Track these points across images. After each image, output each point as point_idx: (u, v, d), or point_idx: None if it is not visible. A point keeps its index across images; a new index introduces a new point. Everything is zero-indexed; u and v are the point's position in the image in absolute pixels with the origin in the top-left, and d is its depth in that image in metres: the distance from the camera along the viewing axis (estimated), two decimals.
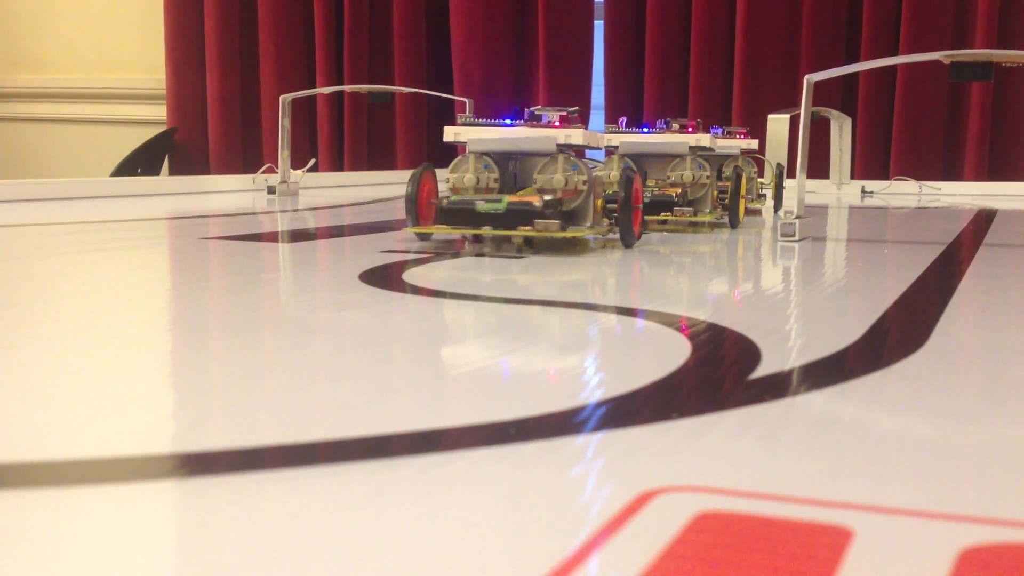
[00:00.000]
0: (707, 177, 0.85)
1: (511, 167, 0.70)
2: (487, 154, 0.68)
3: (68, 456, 0.23)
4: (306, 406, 0.28)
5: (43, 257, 0.65)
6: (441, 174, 0.72)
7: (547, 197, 0.64)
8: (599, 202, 0.68)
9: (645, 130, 0.88)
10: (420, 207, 0.69)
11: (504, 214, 0.64)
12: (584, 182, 0.66)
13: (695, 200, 0.85)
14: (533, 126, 0.68)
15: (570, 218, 0.67)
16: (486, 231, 0.65)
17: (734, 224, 0.87)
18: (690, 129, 0.86)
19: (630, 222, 0.68)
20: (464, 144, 0.69)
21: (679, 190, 0.82)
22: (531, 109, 0.69)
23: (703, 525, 0.19)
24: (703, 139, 0.86)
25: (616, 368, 0.34)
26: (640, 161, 0.87)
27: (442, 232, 0.68)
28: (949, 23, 1.64)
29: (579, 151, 0.71)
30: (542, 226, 0.63)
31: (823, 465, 0.23)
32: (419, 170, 0.70)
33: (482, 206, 0.64)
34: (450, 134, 0.70)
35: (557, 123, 0.68)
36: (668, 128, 0.87)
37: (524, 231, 0.64)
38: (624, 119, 0.90)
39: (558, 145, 0.67)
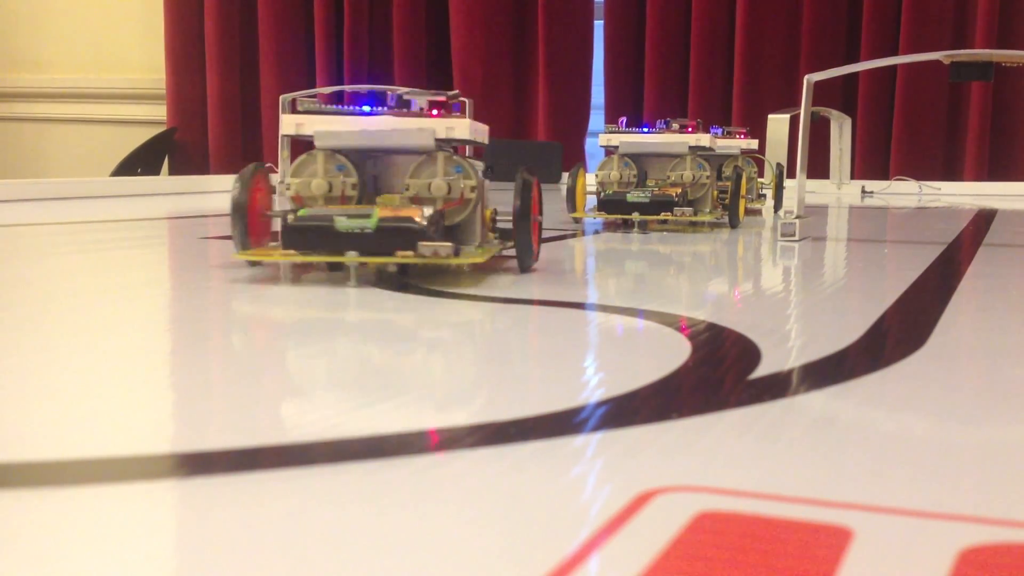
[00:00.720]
0: (707, 177, 0.85)
1: (367, 168, 0.54)
2: (340, 152, 0.53)
3: (68, 456, 0.23)
4: (306, 406, 0.28)
5: (43, 257, 0.65)
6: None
7: (426, 209, 0.49)
8: (487, 212, 0.55)
9: (645, 130, 0.88)
10: (250, 222, 0.52)
11: (374, 234, 0.48)
12: (472, 188, 0.52)
13: (695, 200, 0.85)
14: (400, 114, 0.52)
15: (452, 235, 0.52)
16: (351, 258, 0.48)
17: (734, 224, 0.87)
18: (690, 129, 0.86)
19: (528, 241, 0.54)
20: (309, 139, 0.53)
21: (679, 190, 0.83)
22: (397, 92, 0.53)
23: (703, 525, 0.19)
24: (703, 139, 0.86)
25: (616, 368, 0.34)
26: (640, 161, 0.87)
27: (286, 260, 0.50)
28: (949, 23, 1.64)
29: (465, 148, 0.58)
30: (429, 251, 0.48)
31: (823, 465, 0.23)
32: (248, 171, 0.54)
33: (343, 223, 0.48)
34: (289, 125, 0.53)
35: (434, 111, 0.52)
36: (668, 128, 0.87)
37: (404, 257, 0.48)
38: (624, 119, 0.90)
39: (437, 141, 0.52)
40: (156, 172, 2.03)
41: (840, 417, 0.27)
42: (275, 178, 1.32)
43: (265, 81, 2.02)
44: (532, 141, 1.87)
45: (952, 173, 1.66)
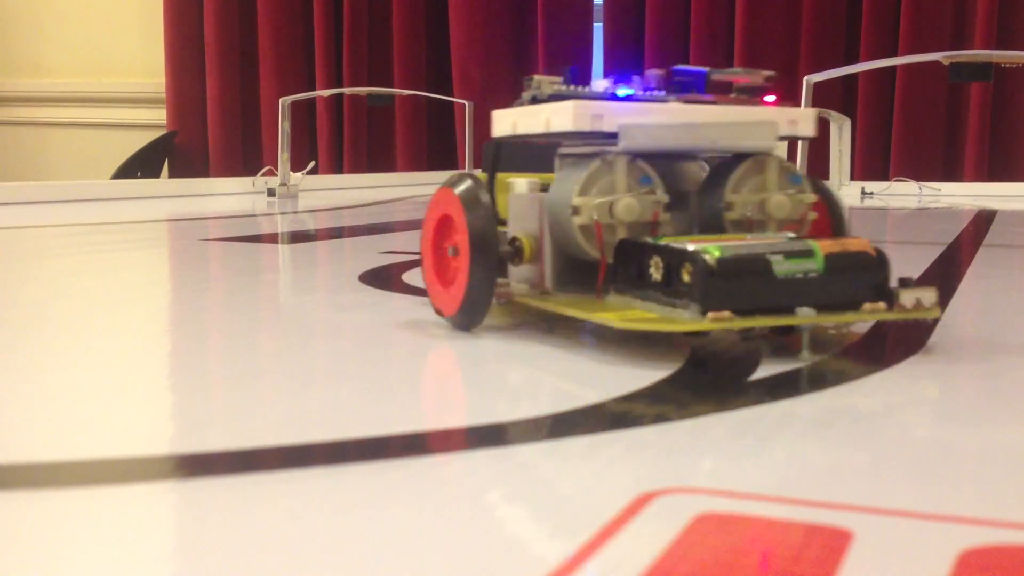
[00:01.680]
0: None
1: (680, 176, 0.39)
2: (645, 157, 0.36)
3: (68, 457, 0.23)
4: (305, 407, 0.28)
5: (44, 259, 0.65)
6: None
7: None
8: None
9: None
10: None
11: (825, 280, 0.33)
12: (812, 207, 0.38)
13: None
14: (724, 100, 0.38)
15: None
16: (807, 318, 0.32)
17: None
18: None
19: None
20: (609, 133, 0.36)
21: None
22: (699, 71, 0.38)
23: (702, 527, 0.19)
24: None
25: (615, 369, 0.34)
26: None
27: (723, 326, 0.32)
28: (948, 24, 1.64)
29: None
30: (911, 300, 0.34)
31: (822, 467, 0.23)
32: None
33: (782, 265, 0.32)
34: (581, 118, 0.35)
35: (768, 96, 0.38)
36: None
37: (875, 311, 0.33)
38: None
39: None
40: (156, 175, 2.03)
41: (840, 419, 0.27)
42: (273, 181, 1.31)
43: (264, 84, 2.02)
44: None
45: (952, 174, 1.66)
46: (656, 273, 0.33)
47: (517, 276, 0.39)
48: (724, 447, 0.24)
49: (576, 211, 0.36)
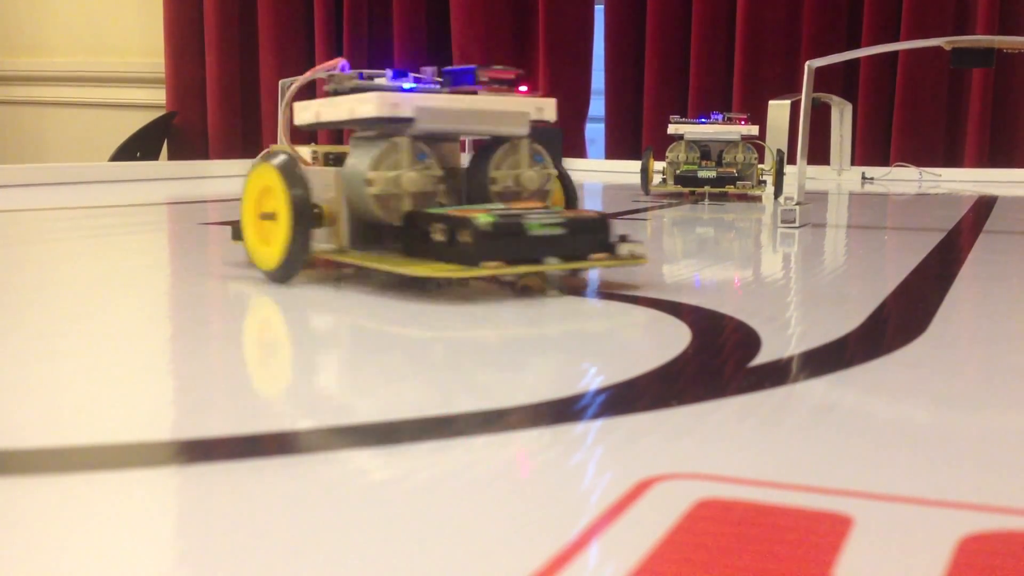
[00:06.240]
0: (755, 159, 0.97)
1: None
2: (422, 138, 0.44)
3: (67, 443, 0.23)
4: (307, 393, 0.28)
5: (41, 242, 0.65)
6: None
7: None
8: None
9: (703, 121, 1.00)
10: None
11: (566, 236, 0.42)
12: (552, 179, 0.47)
13: (743, 177, 0.97)
14: (490, 91, 0.46)
15: None
16: (553, 265, 0.42)
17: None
18: (743, 122, 1.00)
19: None
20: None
21: (734, 170, 0.95)
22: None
23: (703, 512, 0.19)
24: (753, 130, 0.92)
25: (615, 355, 0.34)
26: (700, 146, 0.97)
27: (480, 274, 0.41)
28: (950, 9, 1.63)
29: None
30: (626, 251, 0.43)
31: (823, 452, 0.23)
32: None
33: (535, 225, 0.41)
34: (384, 106, 0.42)
35: (522, 87, 0.46)
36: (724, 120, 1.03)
37: (599, 260, 0.43)
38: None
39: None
40: (155, 156, 2.02)
41: (840, 404, 0.27)
42: None
43: (264, 65, 2.01)
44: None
45: (952, 159, 1.66)
46: (439, 236, 0.41)
47: (319, 237, 0.45)
48: (724, 433, 0.24)
49: (370, 183, 0.42)
